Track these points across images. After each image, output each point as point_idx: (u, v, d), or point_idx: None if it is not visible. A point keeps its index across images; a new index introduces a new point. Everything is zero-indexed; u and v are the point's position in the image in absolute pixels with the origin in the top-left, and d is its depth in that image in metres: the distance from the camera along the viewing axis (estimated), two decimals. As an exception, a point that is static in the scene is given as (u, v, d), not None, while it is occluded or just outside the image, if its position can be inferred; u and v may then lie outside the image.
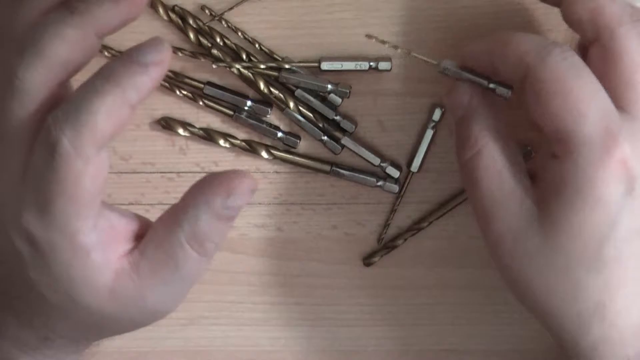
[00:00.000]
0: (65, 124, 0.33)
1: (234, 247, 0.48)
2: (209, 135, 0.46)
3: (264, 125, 0.46)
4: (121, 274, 0.36)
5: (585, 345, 0.37)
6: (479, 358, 0.48)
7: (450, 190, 0.47)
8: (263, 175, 0.47)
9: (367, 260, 0.48)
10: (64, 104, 0.34)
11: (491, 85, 0.40)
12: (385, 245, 0.47)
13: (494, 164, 0.38)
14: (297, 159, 0.47)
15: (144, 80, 0.34)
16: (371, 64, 0.45)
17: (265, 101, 0.46)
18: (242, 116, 0.46)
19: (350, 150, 0.46)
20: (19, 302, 0.38)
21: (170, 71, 0.46)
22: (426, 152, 0.46)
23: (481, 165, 0.38)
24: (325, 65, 0.45)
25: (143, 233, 0.37)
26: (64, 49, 0.35)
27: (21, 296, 0.37)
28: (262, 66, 0.45)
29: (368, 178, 0.47)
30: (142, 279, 0.36)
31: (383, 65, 0.45)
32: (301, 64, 0.46)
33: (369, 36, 0.45)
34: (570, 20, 0.39)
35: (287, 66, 0.45)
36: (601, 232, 0.36)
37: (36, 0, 0.36)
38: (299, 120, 0.46)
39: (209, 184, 0.36)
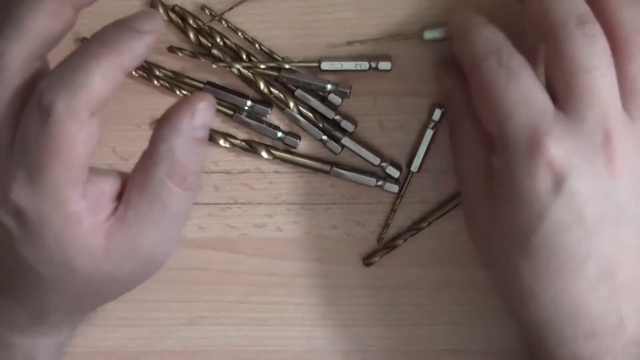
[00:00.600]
0: (60, 86, 0.34)
1: (234, 247, 0.48)
2: (209, 135, 0.46)
3: (264, 125, 0.46)
4: (112, 232, 0.36)
5: (524, 329, 0.40)
6: (479, 358, 0.48)
7: (450, 190, 0.47)
8: (263, 175, 0.47)
9: (367, 260, 0.48)
10: (56, 69, 0.35)
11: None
12: (385, 245, 0.47)
13: (466, 137, 0.43)
14: (297, 159, 0.47)
15: (139, 46, 0.35)
16: (371, 63, 0.45)
17: (265, 101, 0.46)
18: (242, 116, 0.46)
19: (350, 150, 0.46)
20: (9, 282, 0.38)
21: (170, 71, 0.46)
22: (426, 152, 0.46)
23: (457, 133, 0.44)
24: (325, 65, 0.45)
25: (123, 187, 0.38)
26: (42, 21, 0.36)
27: (11, 275, 0.37)
28: (262, 66, 0.45)
29: (368, 178, 0.47)
30: (132, 229, 0.36)
31: (383, 65, 0.45)
32: (301, 64, 0.46)
33: (350, 43, 0.45)
34: (527, 21, 0.41)
35: (287, 66, 0.45)
36: (529, 223, 0.38)
37: None
38: (299, 120, 0.46)
39: (169, 115, 0.37)
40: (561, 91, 0.38)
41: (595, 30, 0.38)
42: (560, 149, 0.37)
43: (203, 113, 0.37)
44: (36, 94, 0.34)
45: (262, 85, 0.45)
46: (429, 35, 0.45)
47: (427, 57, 0.46)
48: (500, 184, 0.39)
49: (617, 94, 0.38)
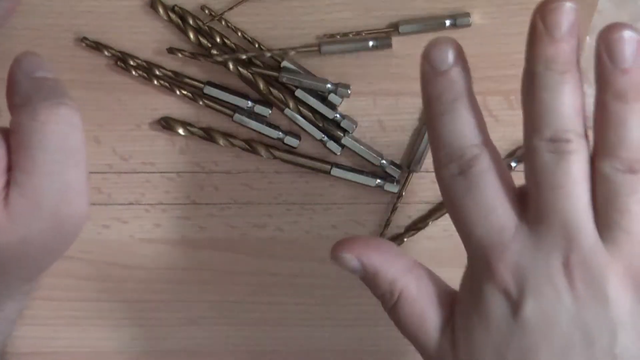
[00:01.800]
0: None
1: (234, 247, 0.48)
2: (209, 135, 0.46)
3: (264, 125, 0.46)
4: (10, 199, 0.35)
5: None
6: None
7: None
8: (263, 175, 0.47)
9: (367, 260, 0.48)
10: None
11: None
12: (385, 245, 0.47)
13: (417, 307, 0.39)
14: (297, 159, 0.47)
15: None
16: (371, 43, 0.45)
17: (265, 101, 0.46)
18: (242, 116, 0.46)
19: (350, 150, 0.46)
20: None
21: (170, 71, 0.46)
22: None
23: (404, 312, 0.40)
24: (325, 49, 0.45)
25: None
26: None
27: None
28: (264, 59, 0.45)
29: (368, 178, 0.47)
30: (24, 187, 0.35)
31: (383, 44, 0.45)
32: (301, 49, 0.45)
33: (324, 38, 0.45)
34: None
35: (287, 65, 0.45)
36: (495, 346, 0.36)
37: None
38: (299, 120, 0.46)
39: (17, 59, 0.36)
40: (530, 202, 0.36)
41: (575, 144, 0.35)
42: (514, 271, 0.35)
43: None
44: None
45: (262, 86, 0.45)
46: (404, 29, 0.45)
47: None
48: (463, 310, 0.37)
49: (587, 214, 0.35)
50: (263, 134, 0.47)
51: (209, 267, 0.48)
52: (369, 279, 0.39)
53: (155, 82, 0.46)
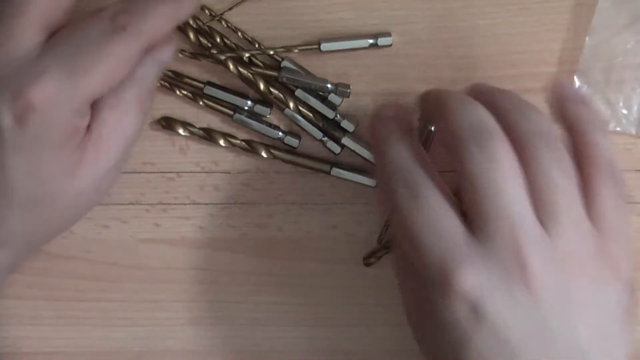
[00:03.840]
0: (134, 15, 0.38)
1: (234, 247, 0.48)
2: (209, 135, 0.46)
3: (264, 125, 0.46)
4: (85, 145, 0.39)
5: None
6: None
7: (450, 190, 0.47)
8: (263, 175, 0.47)
9: (367, 260, 0.48)
10: (131, 2, 0.39)
11: None
12: (385, 245, 0.47)
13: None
14: (297, 159, 0.47)
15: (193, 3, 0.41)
16: (371, 40, 0.45)
17: (265, 101, 0.46)
18: (242, 116, 0.46)
19: (350, 150, 0.46)
20: None
21: (171, 71, 0.46)
22: (426, 152, 0.46)
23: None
24: (325, 46, 0.45)
25: None
26: None
27: None
28: (264, 58, 0.45)
29: (368, 178, 0.47)
30: (100, 143, 0.39)
31: (383, 40, 0.45)
32: (301, 47, 0.45)
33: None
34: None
35: (287, 65, 0.45)
36: (454, 352, 0.36)
37: None
38: (299, 120, 0.46)
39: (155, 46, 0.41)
40: (470, 213, 0.37)
41: (495, 144, 0.36)
42: (471, 280, 0.35)
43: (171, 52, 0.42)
44: (116, 12, 0.37)
45: (262, 86, 0.45)
46: (325, 47, 0.45)
47: (427, 57, 0.46)
48: (424, 310, 0.38)
49: (526, 209, 0.36)
50: (263, 134, 0.47)
51: (208, 267, 0.48)
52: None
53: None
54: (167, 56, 0.42)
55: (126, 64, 0.38)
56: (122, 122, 0.40)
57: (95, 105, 0.39)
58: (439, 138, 0.43)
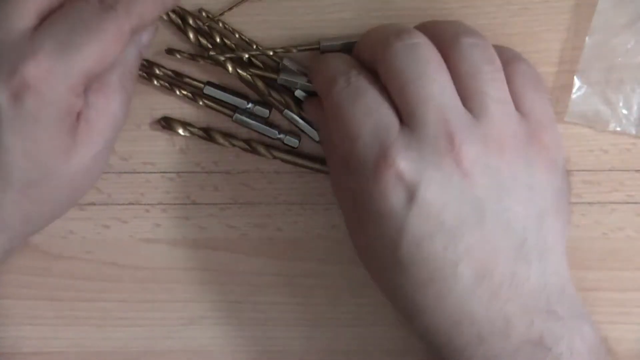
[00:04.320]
0: None
1: (234, 247, 0.48)
2: (209, 135, 0.46)
3: (264, 125, 0.46)
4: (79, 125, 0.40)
5: (420, 338, 0.40)
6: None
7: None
8: (263, 175, 0.47)
9: (367, 260, 0.48)
10: None
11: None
12: (385, 245, 0.47)
13: None
14: (297, 159, 0.47)
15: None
16: None
17: (265, 102, 0.46)
18: (242, 116, 0.46)
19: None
20: None
21: (171, 71, 0.46)
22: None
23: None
24: (325, 46, 0.45)
25: None
26: None
27: None
28: (263, 58, 0.45)
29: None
30: (93, 124, 0.40)
31: None
32: (301, 48, 0.45)
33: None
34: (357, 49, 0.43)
35: (286, 65, 0.45)
36: (392, 240, 0.37)
37: None
38: (298, 122, 0.46)
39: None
40: (400, 105, 0.38)
41: (416, 37, 0.39)
42: (405, 161, 0.37)
43: (151, 34, 0.44)
44: None
45: (261, 87, 0.45)
46: (325, 47, 0.45)
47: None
48: (359, 206, 0.39)
49: (453, 95, 0.38)
50: (263, 134, 0.47)
51: (209, 267, 0.48)
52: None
53: (155, 82, 0.46)
54: (146, 39, 0.43)
55: (117, 42, 0.39)
56: (108, 104, 0.41)
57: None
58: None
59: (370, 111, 0.38)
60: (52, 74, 0.37)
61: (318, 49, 0.45)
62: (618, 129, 0.46)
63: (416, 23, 0.45)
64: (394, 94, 0.39)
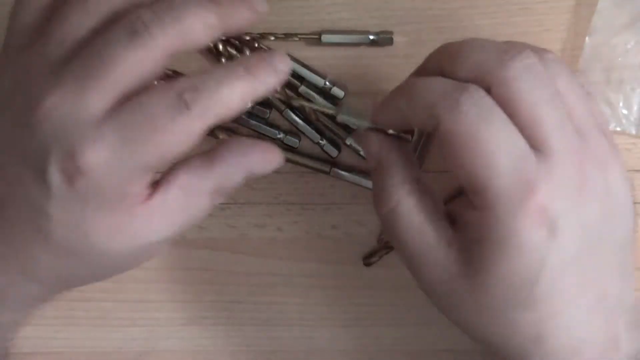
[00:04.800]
0: (202, 91, 0.35)
1: (234, 247, 0.48)
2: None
3: (264, 125, 0.46)
4: (136, 217, 0.37)
5: None
6: (479, 358, 0.48)
7: (450, 190, 0.47)
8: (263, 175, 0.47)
9: (367, 260, 0.48)
10: (202, 75, 0.36)
11: (390, 132, 0.39)
12: (385, 245, 0.47)
13: (412, 219, 0.38)
14: (297, 158, 0.47)
15: (272, 82, 0.37)
16: (372, 36, 0.45)
17: (265, 102, 0.46)
18: (242, 116, 0.46)
19: (353, 150, 0.46)
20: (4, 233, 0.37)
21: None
22: (426, 152, 0.46)
23: (399, 221, 0.38)
24: (325, 38, 0.45)
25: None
26: (199, 28, 0.36)
27: (14, 227, 0.37)
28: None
29: (367, 180, 0.47)
30: (157, 222, 0.37)
31: (384, 39, 0.45)
32: (302, 36, 0.45)
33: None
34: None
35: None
36: (529, 276, 0.35)
37: None
38: (297, 123, 0.46)
39: (248, 150, 0.39)
40: (529, 129, 0.35)
41: (531, 57, 0.36)
42: (549, 193, 0.35)
43: (270, 169, 0.39)
44: (182, 84, 0.35)
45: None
46: (326, 39, 0.45)
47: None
48: (482, 246, 0.36)
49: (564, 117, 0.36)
50: (263, 134, 0.47)
51: (208, 267, 0.48)
52: (375, 173, 0.39)
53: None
54: (259, 169, 0.39)
55: (186, 141, 0.36)
56: (185, 204, 0.38)
57: (167, 176, 0.38)
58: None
59: (508, 135, 0.35)
60: (109, 165, 0.34)
61: (319, 39, 0.45)
62: (618, 129, 0.46)
63: (416, 23, 0.46)
64: (520, 117, 0.35)
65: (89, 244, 0.36)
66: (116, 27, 0.35)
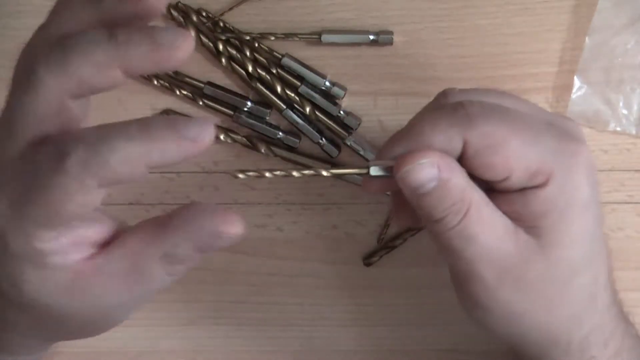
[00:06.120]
0: (84, 146, 0.32)
1: (234, 247, 0.48)
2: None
3: (264, 125, 0.46)
4: (81, 276, 0.35)
5: (578, 340, 0.39)
6: (478, 358, 0.48)
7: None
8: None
9: (367, 260, 0.48)
10: (91, 130, 0.33)
11: None
12: (385, 245, 0.47)
13: (482, 214, 0.37)
14: (296, 156, 0.47)
15: (173, 150, 0.32)
16: (372, 36, 0.45)
17: (265, 102, 0.46)
18: (242, 116, 0.46)
19: (354, 150, 0.46)
20: None
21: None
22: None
23: (474, 221, 0.37)
24: (326, 38, 0.45)
25: (111, 237, 0.36)
26: (87, 71, 0.33)
27: None
28: (266, 55, 0.45)
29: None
30: (103, 283, 0.35)
31: (384, 38, 0.45)
32: (303, 36, 0.45)
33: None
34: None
35: (286, 62, 0.45)
36: (591, 230, 0.37)
37: (78, 12, 0.35)
38: (297, 123, 0.46)
39: (199, 217, 0.34)
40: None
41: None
42: (589, 154, 0.37)
43: (226, 242, 0.34)
44: (63, 138, 0.33)
45: (261, 87, 0.45)
46: (326, 39, 0.45)
47: (427, 57, 0.46)
48: (551, 217, 0.37)
49: None
50: (263, 134, 0.47)
51: (208, 267, 0.48)
52: (441, 188, 0.37)
53: (155, 82, 0.46)
54: (212, 241, 0.34)
55: (74, 200, 0.33)
56: (132, 268, 0.35)
57: (115, 238, 0.35)
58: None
59: (527, 113, 0.37)
60: (9, 231, 0.33)
61: (319, 39, 0.45)
62: (618, 129, 0.46)
63: (416, 23, 0.46)
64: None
65: (27, 297, 0.36)
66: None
